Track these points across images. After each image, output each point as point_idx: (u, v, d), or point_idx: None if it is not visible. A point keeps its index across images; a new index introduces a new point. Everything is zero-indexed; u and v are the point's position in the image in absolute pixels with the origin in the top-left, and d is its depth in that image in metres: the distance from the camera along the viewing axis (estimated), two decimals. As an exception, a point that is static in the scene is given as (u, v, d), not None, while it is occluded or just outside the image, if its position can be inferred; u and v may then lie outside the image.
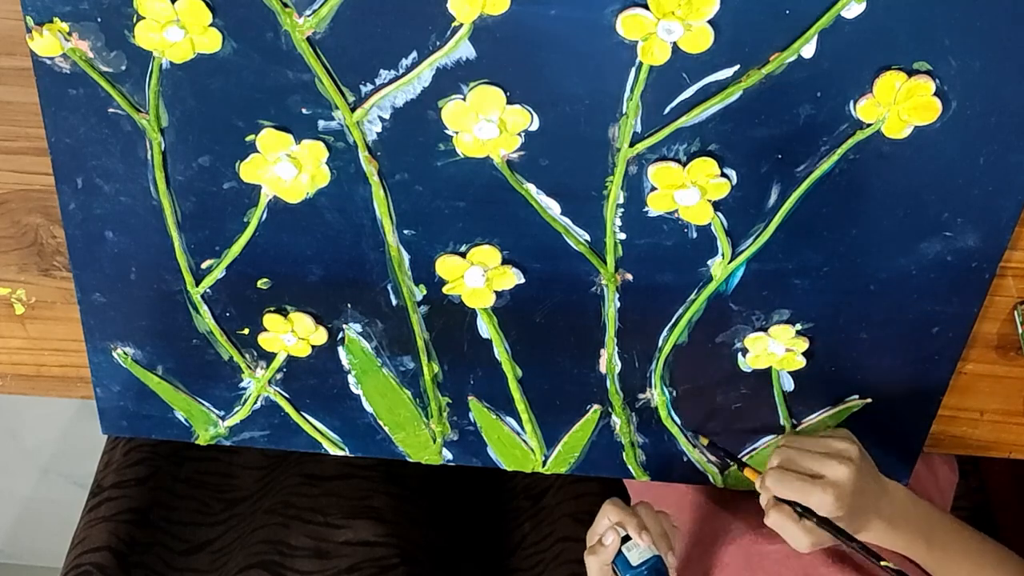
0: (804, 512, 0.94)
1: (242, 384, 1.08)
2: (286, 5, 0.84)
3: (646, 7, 0.81)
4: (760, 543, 1.09)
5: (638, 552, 0.99)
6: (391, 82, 0.87)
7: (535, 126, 0.89)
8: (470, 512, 1.47)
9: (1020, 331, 1.01)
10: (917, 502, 0.99)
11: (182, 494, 1.43)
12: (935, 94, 0.85)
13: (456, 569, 1.30)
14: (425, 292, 1.00)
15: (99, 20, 0.85)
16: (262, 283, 1.00)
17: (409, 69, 0.86)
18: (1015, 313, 1.02)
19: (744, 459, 1.10)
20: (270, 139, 0.91)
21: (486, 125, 0.88)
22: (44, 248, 1.04)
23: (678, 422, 1.08)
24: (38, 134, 0.94)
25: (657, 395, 1.06)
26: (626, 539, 0.99)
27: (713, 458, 1.09)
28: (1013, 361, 1.05)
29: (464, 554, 1.28)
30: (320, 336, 1.03)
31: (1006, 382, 1.07)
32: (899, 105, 0.85)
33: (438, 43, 0.85)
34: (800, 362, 1.02)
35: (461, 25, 0.84)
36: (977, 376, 1.07)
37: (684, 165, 0.90)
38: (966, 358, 1.04)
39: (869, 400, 1.05)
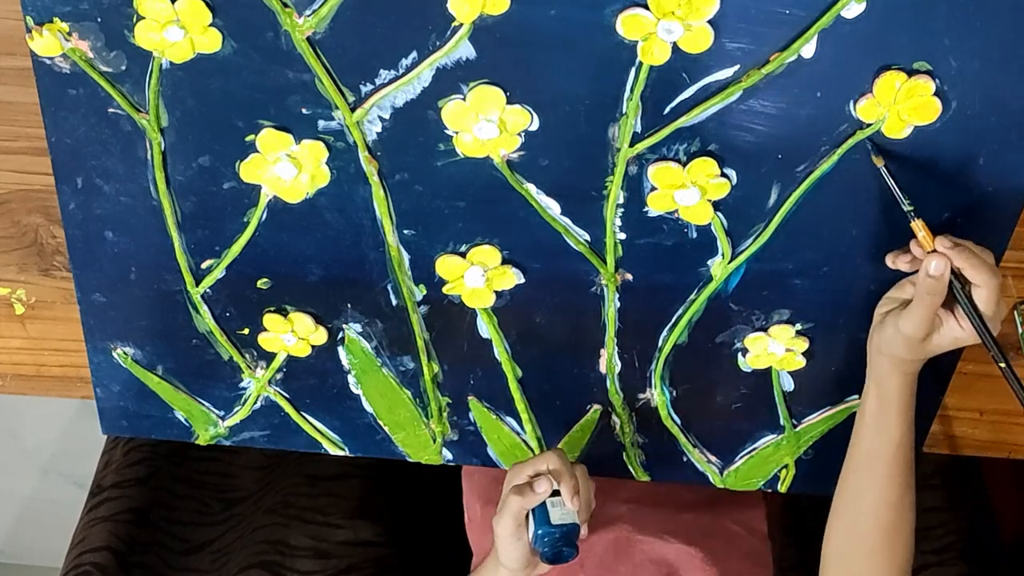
0: (964, 293, 0.88)
1: (242, 384, 1.08)
2: (286, 5, 0.84)
3: (646, 7, 0.81)
4: (633, 533, 1.09)
5: (561, 512, 0.95)
6: (391, 82, 0.87)
7: (535, 126, 0.89)
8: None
9: (1020, 331, 1.01)
10: None
11: (182, 494, 1.43)
12: (935, 94, 0.85)
13: (456, 569, 1.30)
14: (425, 292, 1.00)
15: (99, 20, 0.85)
16: (262, 283, 1.00)
17: (409, 69, 0.86)
18: (1015, 313, 1.02)
19: (743, 459, 1.10)
20: (270, 139, 0.91)
21: (486, 125, 0.88)
22: (44, 248, 1.04)
23: (678, 422, 1.08)
24: (38, 134, 0.94)
25: (657, 395, 1.06)
26: (555, 493, 0.95)
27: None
28: (1013, 361, 1.05)
29: (464, 554, 1.27)
30: (320, 336, 1.03)
31: (1006, 382, 1.07)
32: (899, 105, 0.85)
33: (438, 43, 0.85)
34: (800, 362, 1.02)
35: (461, 25, 0.84)
36: (977, 376, 1.07)
37: (684, 165, 0.90)
38: (966, 358, 1.04)
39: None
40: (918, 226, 0.88)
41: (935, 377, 1.03)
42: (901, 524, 0.97)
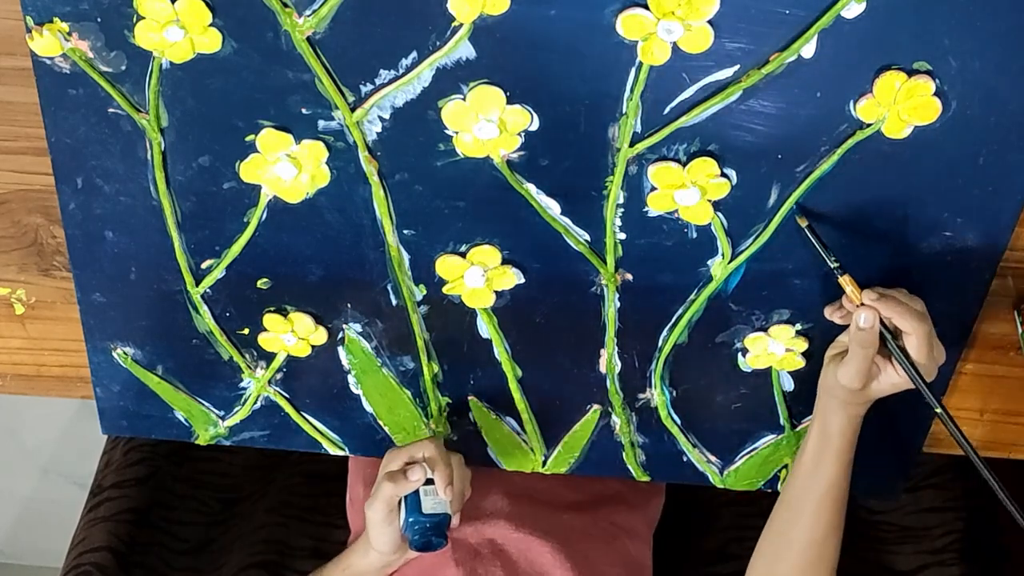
0: (895, 343, 0.91)
1: (242, 384, 1.08)
2: (286, 5, 0.84)
3: (646, 7, 0.81)
4: (509, 530, 1.11)
5: (433, 501, 0.95)
6: (391, 82, 0.87)
7: (535, 126, 0.89)
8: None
9: (1020, 331, 1.01)
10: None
11: (182, 494, 1.43)
12: (935, 94, 0.85)
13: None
14: (425, 292, 1.00)
15: (99, 20, 0.85)
16: (262, 283, 1.00)
17: (409, 69, 0.86)
18: (1015, 313, 1.02)
19: (743, 459, 1.10)
20: (270, 139, 0.91)
21: (486, 125, 0.88)
22: (44, 248, 1.04)
23: (678, 422, 1.08)
24: (38, 134, 0.94)
25: (657, 395, 1.06)
26: (428, 482, 0.95)
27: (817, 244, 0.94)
28: (1013, 361, 1.05)
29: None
30: (320, 336, 1.03)
31: (1006, 382, 1.07)
32: (899, 105, 0.85)
33: (438, 43, 0.85)
34: (800, 362, 1.02)
35: (461, 25, 0.84)
36: (977, 376, 1.07)
37: (684, 165, 0.90)
38: (966, 358, 1.04)
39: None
40: (845, 282, 0.92)
41: (935, 377, 1.03)
42: (821, 564, 1.01)
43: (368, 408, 1.09)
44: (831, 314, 0.95)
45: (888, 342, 0.91)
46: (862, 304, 0.91)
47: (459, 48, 0.85)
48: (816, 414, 0.99)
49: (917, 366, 0.91)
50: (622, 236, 0.95)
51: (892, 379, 0.94)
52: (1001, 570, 1.36)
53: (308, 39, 0.86)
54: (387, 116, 0.89)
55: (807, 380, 1.03)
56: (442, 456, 0.96)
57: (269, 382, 1.08)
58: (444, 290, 0.99)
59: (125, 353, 1.06)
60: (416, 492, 0.95)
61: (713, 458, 1.10)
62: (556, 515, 1.17)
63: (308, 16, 0.84)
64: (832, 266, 0.92)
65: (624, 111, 0.88)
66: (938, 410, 0.93)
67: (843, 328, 0.97)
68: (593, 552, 1.15)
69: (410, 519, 0.95)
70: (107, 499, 1.39)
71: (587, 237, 0.95)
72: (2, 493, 2.05)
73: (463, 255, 0.97)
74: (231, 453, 1.46)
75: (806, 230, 0.92)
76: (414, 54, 0.86)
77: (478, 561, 1.10)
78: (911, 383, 0.93)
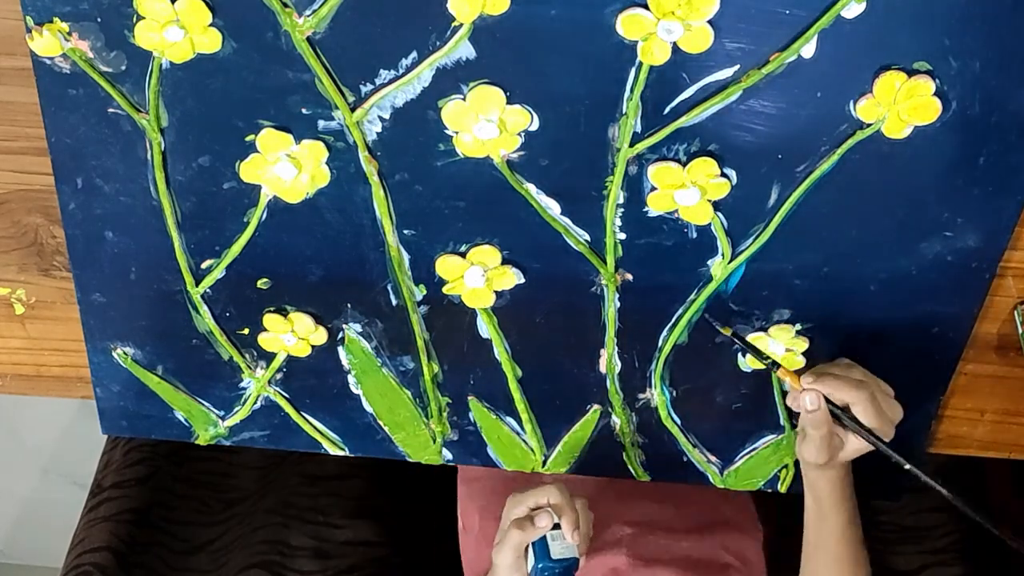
0: (844, 415, 0.94)
1: (242, 384, 1.08)
2: (286, 5, 0.84)
3: (646, 7, 0.81)
4: (631, 562, 1.11)
5: (561, 546, 0.95)
6: (391, 82, 0.87)
7: (535, 126, 0.89)
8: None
9: (1020, 331, 1.01)
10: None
11: (182, 494, 1.43)
12: (935, 94, 0.85)
13: (456, 569, 1.30)
14: (425, 292, 1.00)
15: (99, 20, 0.85)
16: (262, 283, 1.00)
17: (409, 69, 0.86)
18: (1015, 313, 1.02)
19: (743, 459, 1.10)
20: (270, 139, 0.91)
21: (486, 125, 0.88)
22: (44, 248, 1.04)
23: (678, 422, 1.08)
24: (38, 134, 0.94)
25: (657, 395, 1.06)
26: (555, 526, 0.95)
27: (743, 351, 1.02)
28: (1013, 361, 1.05)
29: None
30: (320, 336, 1.03)
31: (1006, 382, 1.07)
32: (899, 105, 0.85)
33: (438, 43, 0.85)
34: (800, 362, 1.02)
35: (461, 25, 0.84)
36: (977, 376, 1.07)
37: (684, 165, 0.90)
38: (966, 358, 1.04)
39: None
40: (782, 374, 0.97)
41: (935, 377, 1.03)
42: None
43: (368, 408, 1.09)
44: (791, 404, 0.98)
45: (839, 416, 0.95)
46: (804, 389, 0.95)
47: (459, 48, 0.85)
48: (804, 480, 1.01)
49: (872, 430, 0.94)
50: (622, 236, 0.95)
51: (855, 445, 0.96)
52: (1001, 570, 1.36)
53: (308, 39, 0.86)
54: (387, 116, 0.89)
55: (807, 380, 1.04)
56: (567, 501, 0.96)
57: (269, 382, 1.08)
58: (444, 290, 0.99)
59: (125, 353, 1.06)
60: (544, 538, 0.95)
61: (713, 458, 1.10)
62: (675, 542, 1.18)
63: (308, 16, 0.84)
64: (765, 364, 0.98)
65: (624, 111, 0.88)
66: (907, 467, 0.94)
67: (844, 324, 0.98)
68: None
69: (539, 565, 0.95)
70: (107, 499, 1.39)
71: (587, 237, 0.95)
72: (2, 493, 2.06)
73: (463, 255, 0.97)
74: (231, 453, 1.46)
75: (733, 338, 0.99)
76: (414, 54, 0.86)
77: None
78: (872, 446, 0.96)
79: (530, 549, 0.96)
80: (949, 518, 1.39)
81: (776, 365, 0.98)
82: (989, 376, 1.07)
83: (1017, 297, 1.01)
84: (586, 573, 1.11)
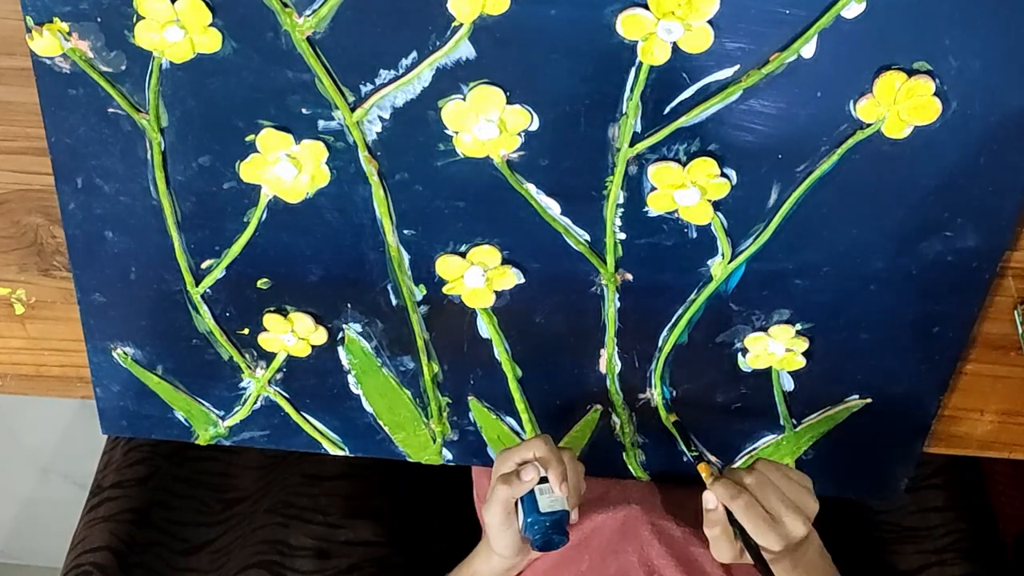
0: (742, 535, 0.93)
1: (242, 384, 1.08)
2: (286, 5, 0.84)
3: (646, 7, 0.81)
4: (642, 514, 1.09)
5: (549, 499, 0.94)
6: (391, 82, 0.87)
7: (535, 126, 0.89)
8: (471, 512, 1.47)
9: (1020, 331, 1.01)
10: (824, 555, 1.00)
11: (182, 494, 1.43)
12: (935, 94, 0.85)
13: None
14: (425, 292, 1.00)
15: (99, 20, 0.85)
16: (262, 283, 1.00)
17: (409, 69, 0.86)
18: (1015, 313, 1.02)
19: (743, 459, 1.10)
20: (270, 139, 0.91)
21: (486, 125, 0.88)
22: (44, 248, 1.04)
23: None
24: (38, 134, 0.94)
25: (657, 395, 1.06)
26: (543, 480, 0.95)
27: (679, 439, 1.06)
28: (1013, 361, 1.05)
29: (465, 554, 1.27)
30: (320, 336, 1.03)
31: (1006, 382, 1.07)
32: (899, 105, 0.85)
33: (438, 43, 0.85)
34: (800, 362, 1.02)
35: (461, 25, 0.84)
36: (977, 376, 1.07)
37: (684, 165, 0.90)
38: (966, 358, 1.04)
39: (869, 400, 1.05)
40: (701, 469, 0.97)
41: (935, 376, 1.03)
42: None
43: (368, 408, 1.09)
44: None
45: (732, 524, 0.94)
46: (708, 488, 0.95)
47: (459, 48, 0.85)
48: None
49: (751, 539, 0.92)
50: (622, 236, 0.95)
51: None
52: (1001, 570, 1.36)
53: (308, 39, 0.86)
54: (387, 116, 0.89)
55: (807, 380, 1.04)
56: (554, 453, 0.95)
57: (269, 382, 1.08)
58: (444, 290, 0.99)
59: (125, 353, 1.06)
60: (532, 492, 0.95)
61: (713, 458, 1.10)
62: (689, 499, 1.13)
63: (308, 16, 0.84)
64: (691, 456, 1.01)
65: (624, 111, 0.88)
66: None
67: (844, 324, 0.98)
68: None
69: (528, 519, 0.95)
70: (107, 499, 1.38)
71: (587, 237, 0.95)
72: (2, 493, 2.05)
73: (463, 255, 0.97)
74: (231, 453, 1.46)
75: (674, 427, 1.03)
76: (414, 54, 0.86)
77: (612, 550, 1.08)
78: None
79: (519, 505, 0.96)
80: (950, 518, 1.39)
81: (699, 459, 0.99)
82: (989, 376, 1.07)
83: (1017, 297, 1.01)
84: (595, 528, 1.10)
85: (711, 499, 0.94)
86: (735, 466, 1.00)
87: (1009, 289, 1.00)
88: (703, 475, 0.96)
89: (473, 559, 1.05)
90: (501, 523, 0.96)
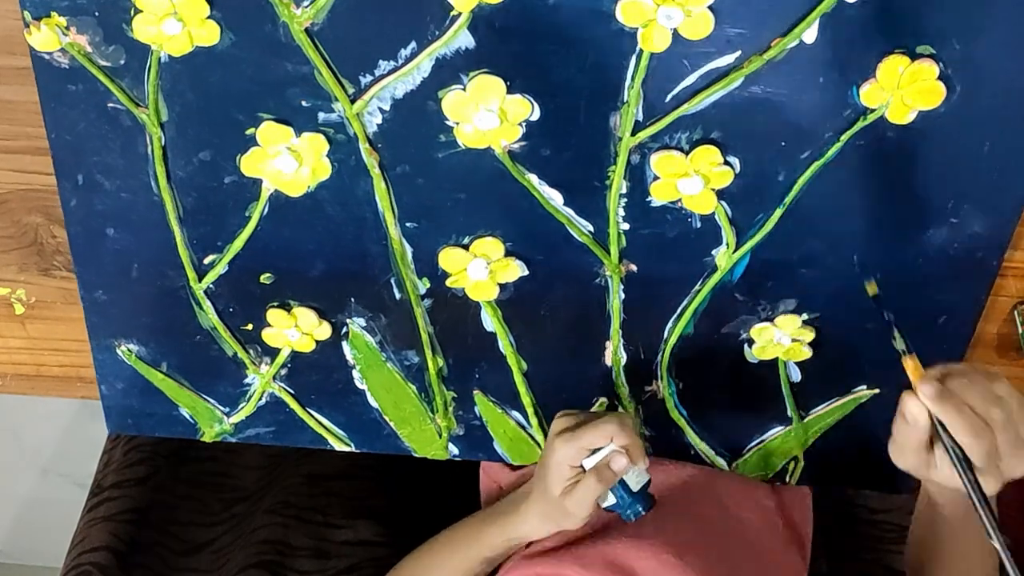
0: (951, 448, 0.79)
1: (247, 380, 1.08)
2: (284, -4, 0.84)
3: (646, -7, 0.81)
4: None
5: (635, 475, 0.93)
6: (390, 73, 0.87)
7: (536, 116, 0.88)
8: (471, 512, 1.47)
9: (1020, 331, 1.01)
10: None
11: (182, 494, 1.42)
12: (939, 78, 0.84)
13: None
14: (428, 285, 0.99)
15: (97, 14, 0.85)
16: (265, 278, 1.00)
17: (408, 60, 0.86)
18: (1015, 313, 1.01)
19: (751, 451, 1.09)
20: (270, 132, 0.90)
21: (487, 115, 0.88)
22: (44, 248, 1.04)
23: (685, 414, 1.07)
24: (38, 133, 0.93)
25: (663, 387, 1.05)
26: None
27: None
28: (1013, 361, 1.05)
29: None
30: (324, 331, 1.03)
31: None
32: (903, 90, 0.85)
33: (437, 33, 0.85)
34: (807, 352, 1.02)
35: (460, 14, 0.83)
36: (978, 376, 1.06)
37: (687, 153, 0.89)
38: (966, 358, 1.04)
39: (877, 390, 1.04)
40: (906, 362, 0.83)
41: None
42: None
43: (373, 403, 1.08)
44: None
45: (943, 443, 0.80)
46: (917, 392, 0.80)
47: (458, 38, 0.85)
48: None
49: (972, 481, 0.80)
50: (625, 226, 0.94)
51: (949, 475, 0.81)
52: (1001, 570, 1.35)
53: (306, 30, 0.85)
54: (387, 108, 0.89)
55: (814, 370, 1.03)
56: (631, 434, 0.90)
57: (274, 378, 1.07)
58: (447, 283, 0.99)
59: (129, 350, 1.06)
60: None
61: (721, 450, 1.10)
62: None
63: (306, 7, 0.84)
64: (898, 347, 0.84)
65: (625, 99, 0.87)
66: (993, 541, 0.81)
67: (850, 313, 0.98)
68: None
69: (625, 503, 0.94)
70: (107, 499, 1.38)
71: (590, 228, 0.95)
72: (2, 493, 2.06)
73: (466, 247, 0.96)
74: (231, 453, 1.46)
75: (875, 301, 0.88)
76: (413, 44, 0.85)
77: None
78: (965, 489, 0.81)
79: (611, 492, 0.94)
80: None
81: (909, 351, 0.83)
82: (989, 377, 1.06)
83: (1017, 297, 1.01)
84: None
85: (914, 413, 0.80)
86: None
87: (1009, 289, 1.00)
88: (910, 367, 0.82)
89: (486, 533, 1.03)
90: (590, 509, 0.93)
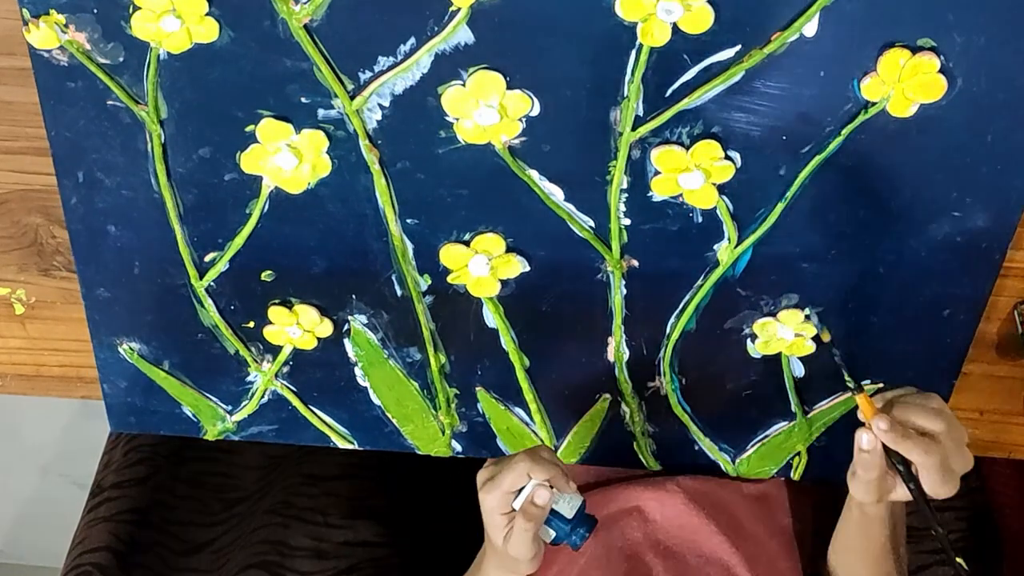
0: (903, 470, 0.88)
1: (249, 378, 1.07)
2: (283, -8, 0.83)
3: (646, -13, 0.81)
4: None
5: (566, 501, 0.92)
6: (390, 69, 0.87)
7: (536, 111, 0.88)
8: (472, 512, 1.47)
9: (1020, 331, 1.01)
10: None
11: (182, 494, 1.43)
12: (940, 71, 0.84)
13: (457, 570, 1.29)
14: (430, 282, 0.99)
15: (95, 11, 0.85)
16: (266, 275, 0.99)
17: (407, 55, 0.86)
18: (1015, 313, 1.01)
19: (755, 447, 1.09)
20: (270, 129, 0.90)
21: (486, 111, 0.88)
22: (44, 248, 1.04)
23: (688, 410, 1.07)
24: (38, 134, 0.93)
25: (666, 383, 1.05)
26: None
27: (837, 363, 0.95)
28: (1013, 361, 1.05)
29: (465, 555, 1.27)
30: (325, 328, 1.03)
31: (1006, 382, 1.07)
32: (904, 83, 0.85)
33: (436, 28, 0.84)
34: (810, 347, 1.01)
35: (459, 9, 0.83)
36: (977, 376, 1.06)
37: (687, 148, 0.89)
38: (966, 358, 1.03)
39: (881, 385, 1.04)
40: (860, 400, 0.90)
41: (947, 361, 1.03)
42: None
43: (376, 400, 1.08)
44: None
45: (896, 467, 0.88)
46: (868, 424, 0.88)
47: (457, 33, 0.84)
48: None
49: (930, 497, 0.88)
50: (627, 222, 0.94)
51: (905, 493, 0.90)
52: (1001, 570, 1.35)
53: (305, 27, 0.85)
54: (387, 104, 0.89)
55: (817, 366, 1.03)
56: (548, 462, 0.91)
57: (276, 375, 1.07)
58: (449, 279, 0.98)
59: (131, 348, 1.06)
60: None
61: (725, 446, 1.10)
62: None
63: (305, 3, 0.84)
64: (849, 386, 0.92)
65: (625, 94, 0.87)
66: (937, 530, 0.89)
67: (853, 308, 0.98)
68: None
69: (564, 531, 0.93)
70: (107, 499, 1.38)
71: (591, 223, 0.94)
72: (2, 493, 2.06)
73: (467, 244, 0.96)
74: (231, 453, 1.46)
75: (835, 354, 0.94)
76: (412, 40, 0.85)
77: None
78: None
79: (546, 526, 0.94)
80: (949, 518, 1.38)
81: (859, 389, 0.91)
82: (989, 376, 1.07)
83: (1017, 297, 1.00)
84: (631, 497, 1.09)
85: (869, 440, 0.87)
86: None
87: (1009, 289, 1.00)
88: (862, 404, 0.90)
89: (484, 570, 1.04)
90: (532, 550, 0.93)
